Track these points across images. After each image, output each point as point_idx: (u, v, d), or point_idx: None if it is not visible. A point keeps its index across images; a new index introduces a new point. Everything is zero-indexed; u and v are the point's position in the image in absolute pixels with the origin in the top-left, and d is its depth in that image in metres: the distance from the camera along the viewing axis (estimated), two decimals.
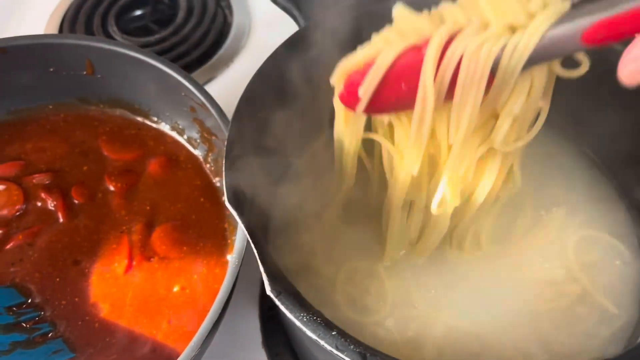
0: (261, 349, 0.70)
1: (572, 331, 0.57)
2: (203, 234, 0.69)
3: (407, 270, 0.61)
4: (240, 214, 0.48)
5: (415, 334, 0.57)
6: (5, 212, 0.71)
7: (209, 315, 0.54)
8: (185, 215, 0.71)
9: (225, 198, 0.49)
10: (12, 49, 0.72)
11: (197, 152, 0.75)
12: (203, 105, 0.67)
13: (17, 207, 0.71)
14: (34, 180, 0.73)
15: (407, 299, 0.59)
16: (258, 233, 0.48)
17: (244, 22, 1.01)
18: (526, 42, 0.41)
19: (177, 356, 0.58)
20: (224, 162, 0.51)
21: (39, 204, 0.71)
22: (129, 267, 0.66)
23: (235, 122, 0.53)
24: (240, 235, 0.58)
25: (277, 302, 0.44)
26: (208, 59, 0.96)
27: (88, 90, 0.78)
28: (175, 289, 0.65)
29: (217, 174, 0.72)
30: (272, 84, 0.57)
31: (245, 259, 0.57)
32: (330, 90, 0.52)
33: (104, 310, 0.64)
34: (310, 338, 0.50)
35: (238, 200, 0.49)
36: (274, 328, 0.72)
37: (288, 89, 0.58)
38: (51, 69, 0.75)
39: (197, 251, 0.68)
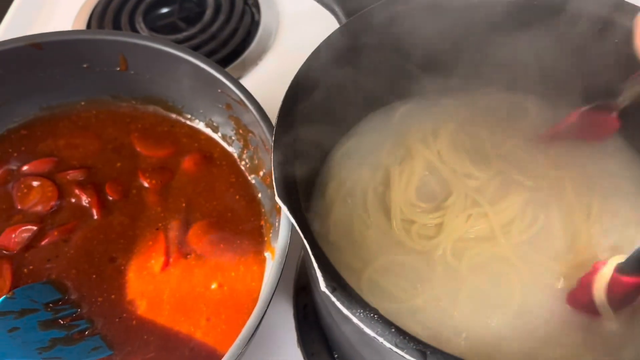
0: (297, 348, 0.70)
1: None
2: (239, 231, 0.69)
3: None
4: (292, 210, 0.47)
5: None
6: (39, 208, 0.70)
7: (254, 314, 0.53)
8: (221, 212, 0.70)
9: (275, 194, 0.48)
10: (46, 45, 0.72)
11: (232, 149, 0.75)
12: (240, 101, 0.67)
13: (52, 203, 0.70)
14: (68, 177, 0.72)
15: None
16: (309, 229, 0.47)
17: (271, 20, 1.00)
18: None
19: (216, 354, 0.58)
20: (272, 157, 0.50)
21: (73, 200, 0.71)
22: (166, 264, 0.66)
23: (282, 118, 0.53)
24: (283, 232, 0.57)
25: (333, 298, 0.43)
26: (236, 58, 0.95)
27: (121, 86, 0.77)
28: (213, 286, 0.65)
29: (253, 171, 0.72)
30: (320, 76, 0.56)
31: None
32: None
33: (141, 308, 0.63)
34: (359, 336, 0.50)
35: (289, 197, 0.48)
36: (309, 327, 0.71)
37: (334, 81, 0.57)
38: (84, 65, 0.75)
39: (234, 248, 0.67)
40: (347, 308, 0.43)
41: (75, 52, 0.73)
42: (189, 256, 0.66)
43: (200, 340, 0.61)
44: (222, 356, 0.58)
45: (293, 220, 0.47)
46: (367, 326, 0.42)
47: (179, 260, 0.66)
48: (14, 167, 0.74)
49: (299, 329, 0.71)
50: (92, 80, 0.76)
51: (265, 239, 0.68)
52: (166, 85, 0.75)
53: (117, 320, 0.63)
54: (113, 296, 0.64)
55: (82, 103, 0.78)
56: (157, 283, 0.65)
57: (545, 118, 0.65)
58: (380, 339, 0.41)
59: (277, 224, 0.65)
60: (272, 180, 0.63)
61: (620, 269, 0.50)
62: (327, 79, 0.57)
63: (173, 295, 0.64)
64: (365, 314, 0.42)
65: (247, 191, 0.72)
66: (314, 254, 0.45)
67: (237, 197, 0.71)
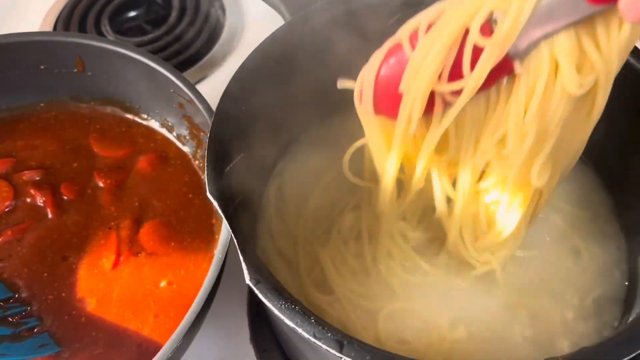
0: (249, 344, 0.70)
1: None
2: (191, 229, 0.69)
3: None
4: (221, 205, 0.48)
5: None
6: None
7: (193, 307, 0.54)
8: (173, 211, 0.71)
9: (207, 189, 0.49)
10: (3, 46, 0.73)
11: (186, 149, 0.75)
12: (191, 101, 0.68)
13: (7, 203, 0.71)
14: (24, 177, 0.73)
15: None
16: (241, 224, 0.48)
17: (236, 22, 1.01)
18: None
19: None
20: (206, 153, 0.51)
21: (29, 200, 0.72)
22: (117, 262, 0.66)
23: (219, 115, 0.54)
24: (226, 228, 0.58)
25: (256, 290, 0.44)
26: (200, 58, 0.96)
27: (79, 87, 0.78)
28: (162, 284, 0.65)
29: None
30: (257, 78, 0.57)
31: (233, 255, 0.57)
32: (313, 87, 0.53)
33: (91, 305, 0.64)
34: (291, 327, 0.50)
35: (221, 191, 0.49)
36: (261, 324, 0.71)
37: (272, 83, 0.58)
38: (42, 67, 0.76)
39: (184, 247, 0.68)
40: (269, 300, 0.44)
41: (33, 54, 0.75)
42: (139, 254, 0.67)
43: (148, 336, 0.62)
44: None
45: (224, 218, 0.48)
46: (287, 317, 0.43)
47: (129, 258, 0.67)
48: None
49: (251, 326, 0.71)
50: (51, 82, 0.77)
51: (216, 237, 0.68)
52: (123, 86, 0.76)
53: (66, 317, 0.64)
54: (63, 294, 0.65)
55: (42, 104, 0.79)
56: (108, 281, 0.66)
57: None
58: (300, 330, 0.42)
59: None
60: None
61: None
62: (264, 85, 0.58)
63: (123, 292, 0.65)
64: (287, 305, 0.43)
65: (200, 190, 0.72)
66: (240, 248, 0.46)
67: (191, 195, 0.72)
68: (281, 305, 0.43)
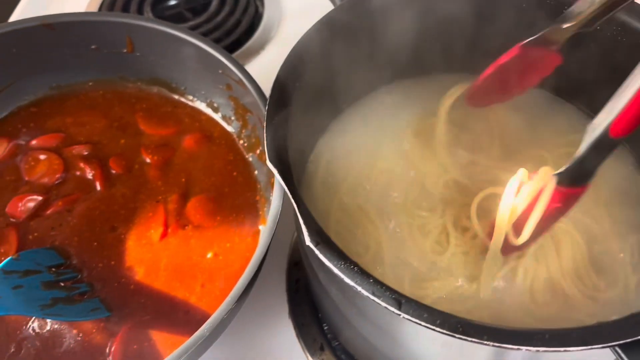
0: (288, 319, 0.72)
1: None
2: (236, 205, 0.72)
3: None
4: (280, 172, 0.50)
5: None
6: (46, 180, 0.73)
7: (243, 277, 0.56)
8: (218, 187, 0.73)
9: (267, 158, 0.51)
10: (58, 25, 0.76)
11: (231, 129, 0.78)
12: (240, 82, 0.70)
13: (57, 175, 0.74)
14: (74, 151, 0.75)
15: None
16: (296, 189, 0.50)
17: (274, 13, 1.04)
18: None
19: (209, 318, 0.60)
20: (265, 123, 0.53)
21: (78, 173, 0.74)
22: (165, 234, 0.69)
23: (277, 88, 0.56)
24: (276, 202, 0.60)
25: (316, 252, 0.46)
26: (238, 48, 0.99)
27: (127, 68, 0.80)
28: (209, 255, 0.67)
29: (250, 149, 0.75)
30: (316, 49, 0.59)
31: (276, 232, 0.59)
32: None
33: (139, 274, 0.66)
34: (342, 293, 0.53)
35: (280, 160, 0.51)
36: (300, 300, 0.74)
37: (330, 55, 0.60)
38: (93, 46, 0.78)
39: (229, 221, 0.70)
40: (329, 260, 0.45)
41: (85, 33, 0.77)
42: (186, 227, 0.69)
43: (195, 304, 0.64)
44: None
45: (281, 181, 0.50)
46: (347, 276, 0.44)
47: (177, 230, 0.69)
48: (23, 142, 0.77)
49: (290, 301, 0.73)
50: (100, 61, 0.80)
51: (260, 212, 0.71)
52: (170, 67, 0.78)
53: (115, 284, 0.66)
54: (113, 262, 0.67)
55: (90, 83, 0.82)
56: (155, 251, 0.68)
57: None
58: (359, 288, 0.44)
59: (271, 197, 0.68)
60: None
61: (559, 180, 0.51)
62: (322, 58, 0.60)
63: (170, 262, 0.67)
64: (346, 265, 0.45)
65: (244, 168, 0.75)
66: (300, 211, 0.48)
67: (235, 173, 0.74)
68: (341, 265, 0.45)
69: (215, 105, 0.78)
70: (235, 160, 0.75)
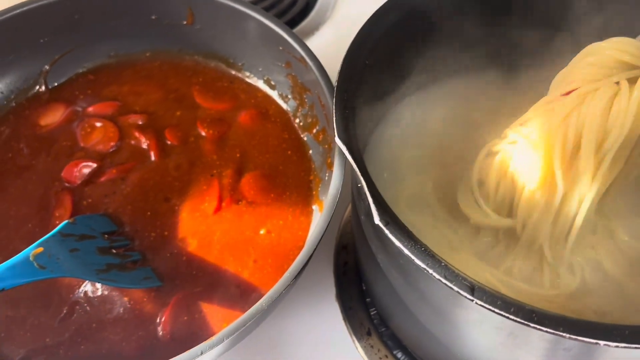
0: (335, 301, 0.72)
1: None
2: (289, 184, 0.71)
3: None
4: (349, 150, 0.49)
5: None
6: (100, 147, 0.74)
7: (303, 252, 0.55)
8: (272, 165, 0.72)
9: (335, 135, 0.50)
10: None
11: (287, 107, 0.77)
12: (302, 59, 0.69)
13: (112, 143, 0.74)
14: (129, 120, 0.76)
15: None
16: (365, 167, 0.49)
17: None
18: None
19: (262, 294, 0.60)
20: (334, 100, 0.53)
21: (133, 142, 0.74)
22: (218, 208, 0.68)
23: (346, 64, 0.55)
24: (336, 181, 0.59)
25: (386, 231, 0.45)
26: (293, 27, 0.98)
27: (186, 40, 0.80)
28: (262, 232, 0.67)
29: (306, 129, 0.74)
30: (384, 28, 0.58)
31: None
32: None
33: (192, 246, 0.66)
34: (404, 278, 0.52)
35: (348, 137, 0.50)
36: (348, 283, 0.73)
37: (398, 34, 0.59)
38: (153, 17, 0.78)
39: (283, 199, 0.70)
40: (400, 241, 0.44)
41: (147, 3, 0.77)
42: (240, 202, 0.69)
43: (247, 279, 0.64)
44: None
45: (350, 159, 0.49)
46: (418, 258, 0.43)
47: (230, 205, 0.69)
48: (79, 109, 0.78)
49: (337, 284, 0.73)
50: (159, 32, 0.80)
51: (314, 192, 0.70)
52: (229, 41, 0.78)
53: (168, 255, 0.66)
54: (166, 233, 0.67)
55: (147, 54, 0.82)
56: (209, 224, 0.67)
57: None
58: (431, 271, 0.43)
59: (326, 178, 0.68)
60: (325, 136, 0.66)
61: None
62: (390, 38, 0.59)
63: (223, 236, 0.67)
64: (417, 247, 0.44)
65: (299, 148, 0.74)
66: (369, 190, 0.47)
67: (289, 152, 0.73)
68: (411, 246, 0.44)
69: (272, 82, 0.78)
70: (290, 139, 0.75)
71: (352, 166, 0.52)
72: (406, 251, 0.44)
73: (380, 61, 0.58)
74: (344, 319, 0.71)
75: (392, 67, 0.61)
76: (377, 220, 0.46)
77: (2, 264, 0.56)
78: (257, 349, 0.67)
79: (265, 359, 0.68)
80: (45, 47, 0.78)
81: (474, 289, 0.42)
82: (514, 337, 0.47)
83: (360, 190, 0.53)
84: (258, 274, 0.64)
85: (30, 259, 0.57)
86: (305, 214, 0.68)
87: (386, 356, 0.68)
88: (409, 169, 0.62)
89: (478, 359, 0.55)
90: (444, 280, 0.43)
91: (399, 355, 0.68)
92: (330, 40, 0.97)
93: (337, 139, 0.51)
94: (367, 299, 0.72)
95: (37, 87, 0.79)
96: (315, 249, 0.55)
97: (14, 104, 0.78)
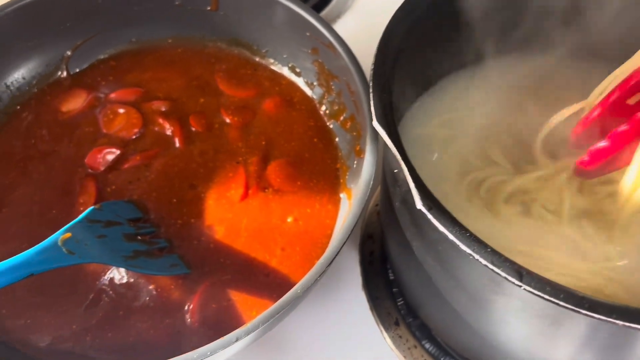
0: (361, 291, 0.71)
1: None
2: (316, 171, 0.70)
3: None
4: (387, 133, 0.49)
5: None
6: (123, 133, 0.73)
7: (338, 239, 0.55)
8: (298, 153, 0.72)
9: (373, 118, 0.49)
10: None
11: (313, 95, 0.76)
12: (330, 45, 0.68)
13: (135, 130, 0.73)
14: (152, 107, 0.75)
15: None
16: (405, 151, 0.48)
17: None
18: None
19: (291, 282, 0.60)
20: (371, 84, 0.52)
21: (156, 129, 0.73)
22: (245, 195, 0.67)
23: (381, 49, 0.54)
24: (368, 169, 0.58)
25: (429, 216, 0.44)
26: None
27: (209, 26, 0.79)
28: (289, 219, 0.66)
29: (332, 116, 0.73)
30: (420, 12, 0.57)
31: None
32: None
33: (219, 233, 0.65)
34: (442, 266, 0.51)
35: (386, 120, 0.49)
36: (374, 272, 0.72)
37: (434, 19, 0.58)
38: (177, 2, 0.77)
39: (310, 187, 0.69)
40: (444, 225, 0.44)
41: None
42: (266, 190, 0.68)
43: (275, 268, 0.63)
44: (295, 284, 0.59)
45: (390, 143, 0.48)
46: (464, 244, 0.43)
47: (257, 192, 0.68)
48: (101, 95, 0.77)
49: (364, 274, 0.72)
50: (182, 18, 0.79)
51: (341, 180, 0.69)
52: (253, 28, 0.77)
53: (195, 242, 0.65)
54: (192, 220, 0.66)
55: (170, 40, 0.81)
56: (236, 212, 0.67)
57: None
58: (477, 256, 0.42)
59: (354, 165, 0.67)
60: (353, 123, 0.65)
61: None
62: (426, 21, 0.58)
63: (250, 224, 0.66)
64: (461, 232, 0.43)
65: (325, 135, 0.73)
66: (411, 174, 0.46)
67: (315, 140, 0.72)
68: (456, 231, 0.43)
69: (297, 69, 0.77)
70: (315, 127, 0.74)
71: (389, 151, 0.51)
72: (451, 236, 0.43)
73: (417, 43, 0.57)
74: (371, 308, 0.70)
75: (429, 49, 0.60)
76: (419, 205, 0.45)
77: (30, 249, 0.55)
78: (283, 340, 0.67)
79: (292, 349, 0.67)
80: (67, 32, 0.77)
81: (522, 275, 0.41)
82: (555, 324, 0.46)
83: (396, 176, 0.53)
84: (286, 262, 0.64)
85: (59, 244, 0.56)
86: (333, 202, 0.67)
87: (415, 346, 0.67)
88: (444, 152, 0.61)
89: (512, 347, 0.54)
90: (491, 266, 0.42)
91: (427, 345, 0.67)
92: (355, 26, 0.96)
93: (375, 124, 0.50)
94: (394, 289, 0.71)
95: (59, 73, 0.78)
96: (349, 235, 0.54)
97: (35, 90, 0.77)
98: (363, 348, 0.67)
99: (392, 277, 0.72)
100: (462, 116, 0.64)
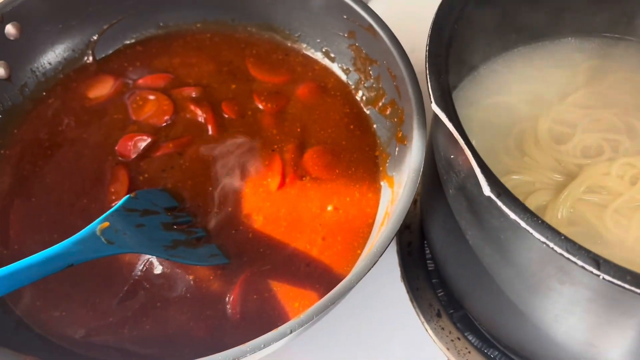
0: (400, 282, 0.69)
1: None
2: (354, 159, 0.68)
3: None
4: (447, 116, 0.47)
5: None
6: (154, 120, 0.71)
7: (388, 229, 0.53)
8: (335, 140, 0.70)
9: (432, 102, 0.48)
10: None
11: (348, 80, 0.74)
12: (370, 28, 0.66)
13: (166, 117, 0.71)
14: (183, 93, 0.73)
15: None
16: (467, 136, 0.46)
17: None
18: None
19: (332, 272, 0.59)
20: (427, 67, 0.50)
21: (188, 115, 0.71)
22: (282, 183, 0.66)
23: (435, 30, 0.52)
24: (417, 156, 0.56)
25: (499, 203, 0.42)
26: None
27: (239, 10, 0.77)
28: (329, 208, 0.64)
29: (370, 102, 0.71)
30: None
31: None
32: None
33: (258, 222, 0.63)
34: (501, 255, 0.49)
35: (446, 104, 0.47)
36: (413, 263, 0.70)
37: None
38: None
39: (349, 175, 0.67)
40: (515, 213, 0.42)
41: None
42: (304, 178, 0.66)
43: (316, 257, 0.61)
44: (338, 275, 0.58)
45: (452, 127, 0.46)
46: (537, 231, 0.41)
47: (294, 181, 0.66)
48: (129, 81, 0.75)
49: (402, 265, 0.70)
50: (210, 2, 0.77)
51: (381, 168, 0.67)
52: (286, 11, 0.75)
53: (233, 232, 0.63)
54: (230, 209, 0.64)
55: (198, 25, 0.79)
56: (274, 200, 0.65)
57: None
58: (551, 244, 0.40)
59: (396, 152, 0.65)
60: (394, 109, 0.63)
61: None
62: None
63: (289, 213, 0.64)
64: (533, 219, 0.41)
65: (362, 122, 0.71)
66: (476, 160, 0.44)
67: (352, 127, 0.71)
68: (528, 218, 0.41)
69: (331, 54, 0.75)
70: (351, 113, 0.72)
71: (441, 136, 0.50)
72: (523, 224, 0.41)
73: (470, 23, 0.55)
74: (411, 300, 0.68)
75: (483, 29, 0.58)
76: (487, 192, 0.43)
77: (68, 239, 0.53)
78: (322, 332, 0.65)
79: (332, 342, 0.65)
80: (92, 16, 0.75)
81: (600, 263, 0.39)
82: (627, 314, 0.45)
83: (452, 162, 0.51)
84: (327, 251, 0.62)
85: (97, 233, 0.54)
86: (373, 191, 0.66)
87: (458, 338, 0.65)
88: (498, 136, 0.59)
89: (571, 337, 0.52)
90: (566, 255, 0.40)
91: (471, 337, 0.65)
92: (387, 8, 0.94)
93: (435, 107, 0.48)
94: (434, 280, 0.69)
95: (85, 58, 0.76)
96: (401, 224, 0.52)
97: (61, 76, 0.74)
98: (404, 340, 0.66)
99: (431, 268, 0.70)
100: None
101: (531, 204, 0.55)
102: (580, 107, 0.61)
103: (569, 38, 0.66)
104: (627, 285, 0.39)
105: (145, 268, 0.61)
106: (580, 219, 0.54)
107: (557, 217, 0.54)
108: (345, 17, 0.68)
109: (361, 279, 0.49)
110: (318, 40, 0.75)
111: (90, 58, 0.76)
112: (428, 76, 0.49)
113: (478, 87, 0.66)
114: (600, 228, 0.53)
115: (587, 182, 0.55)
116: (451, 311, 0.67)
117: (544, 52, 0.67)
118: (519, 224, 0.42)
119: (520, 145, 0.59)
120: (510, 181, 0.57)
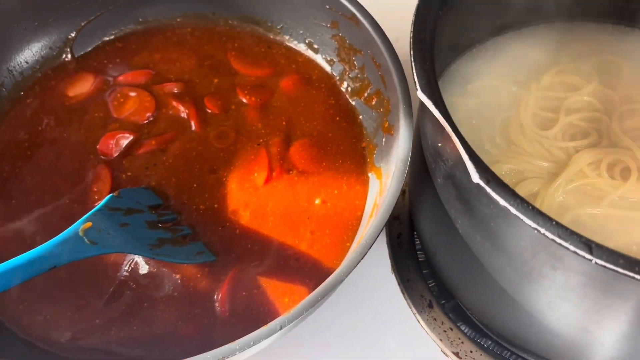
0: (391, 274, 0.68)
1: None
2: (341, 151, 0.67)
3: None
4: (433, 103, 0.46)
5: None
6: (136, 117, 0.69)
7: (378, 220, 0.52)
8: (321, 132, 0.69)
9: (417, 89, 0.47)
10: None
11: (332, 71, 0.73)
12: (353, 17, 0.65)
13: (148, 114, 0.69)
14: (165, 89, 0.71)
15: None
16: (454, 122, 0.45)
17: None
18: None
19: (322, 266, 0.58)
20: (411, 54, 0.49)
21: (170, 112, 0.70)
22: (269, 178, 0.65)
23: (419, 16, 0.51)
24: (405, 145, 0.55)
25: (488, 189, 0.41)
26: None
27: (219, 3, 0.76)
28: (317, 201, 0.64)
29: (355, 93, 0.70)
30: None
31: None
32: None
33: (245, 218, 0.62)
34: (491, 243, 0.48)
35: (432, 91, 0.47)
36: (404, 255, 0.70)
37: None
38: None
39: (336, 167, 0.66)
40: (505, 199, 0.41)
41: None
42: (291, 172, 0.65)
43: (305, 252, 0.60)
44: (328, 268, 0.57)
45: (438, 115, 0.46)
46: (528, 217, 0.40)
47: (281, 175, 0.65)
48: (109, 78, 0.73)
49: (392, 256, 0.69)
50: None
51: (368, 160, 0.66)
52: (268, 3, 0.74)
53: (220, 228, 0.62)
54: (215, 205, 0.63)
55: (178, 19, 0.77)
56: (260, 196, 0.64)
57: None
58: (542, 230, 0.39)
59: (382, 143, 0.64)
60: (379, 99, 0.62)
61: None
62: None
63: (277, 207, 0.63)
64: (523, 205, 0.41)
65: (348, 113, 0.70)
66: (464, 148, 0.43)
67: (337, 118, 0.70)
68: (518, 204, 0.41)
69: (315, 45, 0.74)
70: (337, 105, 0.71)
71: (428, 124, 0.49)
72: (513, 210, 0.41)
73: (455, 8, 0.54)
74: (402, 291, 0.67)
75: (468, 13, 0.57)
76: (476, 179, 0.42)
77: (50, 241, 0.52)
78: (313, 326, 0.64)
79: (323, 335, 0.64)
80: (70, 13, 0.73)
81: (592, 248, 0.39)
82: (622, 298, 0.44)
83: (440, 150, 0.50)
84: (316, 245, 0.61)
85: (80, 234, 0.53)
86: (361, 183, 0.65)
87: (450, 329, 0.65)
88: (485, 126, 0.59)
89: (565, 323, 0.52)
90: (558, 240, 0.39)
91: (464, 327, 0.65)
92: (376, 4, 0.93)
93: (420, 94, 0.47)
94: (425, 271, 0.68)
95: (63, 56, 0.74)
96: (390, 215, 0.52)
97: (39, 75, 0.73)
98: (397, 332, 0.65)
99: (421, 259, 0.69)
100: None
101: (520, 191, 0.55)
102: (560, 91, 0.61)
103: (554, 23, 0.65)
104: (620, 269, 0.38)
105: (130, 268, 0.60)
106: (571, 208, 0.54)
107: (547, 205, 0.54)
108: (327, 6, 0.67)
109: (351, 271, 0.48)
110: (301, 32, 0.74)
111: (69, 56, 0.74)
112: (413, 63, 0.48)
113: (463, 74, 0.65)
114: (591, 218, 0.53)
115: (576, 176, 0.55)
116: (443, 302, 0.66)
117: (529, 37, 0.67)
118: (509, 210, 0.41)
119: (507, 133, 0.59)
120: (498, 170, 0.56)
